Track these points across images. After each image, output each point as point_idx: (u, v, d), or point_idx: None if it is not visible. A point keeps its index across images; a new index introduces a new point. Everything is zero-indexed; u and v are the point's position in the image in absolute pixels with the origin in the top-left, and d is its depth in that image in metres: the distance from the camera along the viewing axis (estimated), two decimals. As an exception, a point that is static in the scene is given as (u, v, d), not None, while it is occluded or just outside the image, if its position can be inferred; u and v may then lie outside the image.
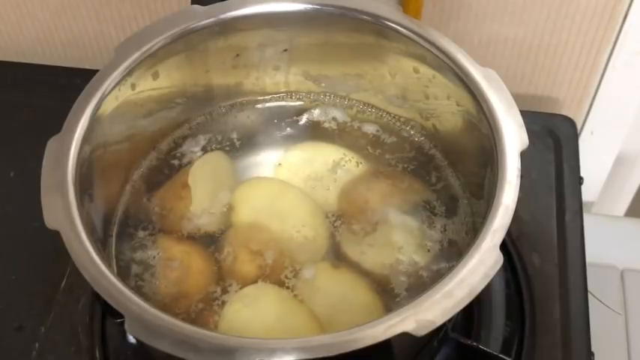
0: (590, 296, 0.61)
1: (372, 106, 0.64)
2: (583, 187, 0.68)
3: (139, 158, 0.60)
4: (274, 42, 0.61)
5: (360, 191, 0.59)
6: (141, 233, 0.57)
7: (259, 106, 0.65)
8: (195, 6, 0.57)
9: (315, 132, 0.63)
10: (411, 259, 0.55)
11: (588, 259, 0.63)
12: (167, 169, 0.61)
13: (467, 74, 0.53)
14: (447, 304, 0.42)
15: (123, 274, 0.54)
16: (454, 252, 0.56)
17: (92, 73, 0.54)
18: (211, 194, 0.59)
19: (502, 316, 0.60)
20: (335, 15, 0.58)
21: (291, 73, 0.64)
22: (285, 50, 0.62)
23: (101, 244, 0.51)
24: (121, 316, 0.42)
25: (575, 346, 0.59)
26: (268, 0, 0.58)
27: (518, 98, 0.52)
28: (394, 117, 0.63)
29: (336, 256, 0.56)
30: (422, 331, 0.41)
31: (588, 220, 0.66)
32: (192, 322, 0.51)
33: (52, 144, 0.50)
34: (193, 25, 0.56)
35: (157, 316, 0.42)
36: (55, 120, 0.51)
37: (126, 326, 0.42)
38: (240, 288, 0.53)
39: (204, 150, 0.62)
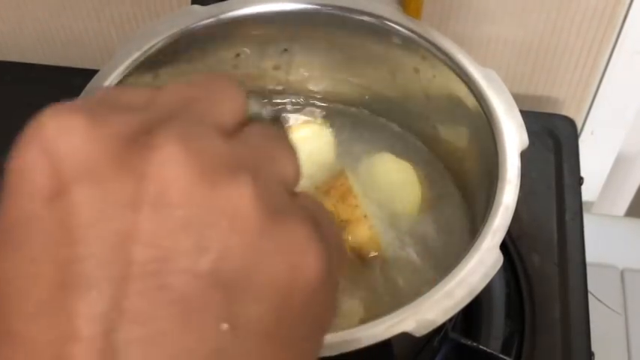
0: (590, 296, 0.61)
1: (372, 106, 0.64)
2: (583, 187, 0.68)
3: (139, 158, 0.60)
4: (274, 42, 0.61)
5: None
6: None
7: (259, 106, 0.65)
8: (195, 6, 0.57)
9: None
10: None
11: (588, 259, 0.63)
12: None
13: (467, 74, 0.53)
14: (447, 303, 0.42)
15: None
16: (454, 252, 0.56)
17: (92, 73, 0.53)
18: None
19: (502, 316, 0.60)
20: (335, 15, 0.57)
21: (292, 73, 0.64)
22: (286, 50, 0.62)
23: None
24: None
25: (575, 346, 0.59)
26: (268, 0, 0.58)
27: (518, 98, 0.52)
28: (394, 116, 0.63)
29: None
30: (422, 331, 0.41)
31: (588, 220, 0.66)
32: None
33: (52, 144, 0.50)
34: (193, 25, 0.56)
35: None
36: (55, 120, 0.51)
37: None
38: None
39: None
